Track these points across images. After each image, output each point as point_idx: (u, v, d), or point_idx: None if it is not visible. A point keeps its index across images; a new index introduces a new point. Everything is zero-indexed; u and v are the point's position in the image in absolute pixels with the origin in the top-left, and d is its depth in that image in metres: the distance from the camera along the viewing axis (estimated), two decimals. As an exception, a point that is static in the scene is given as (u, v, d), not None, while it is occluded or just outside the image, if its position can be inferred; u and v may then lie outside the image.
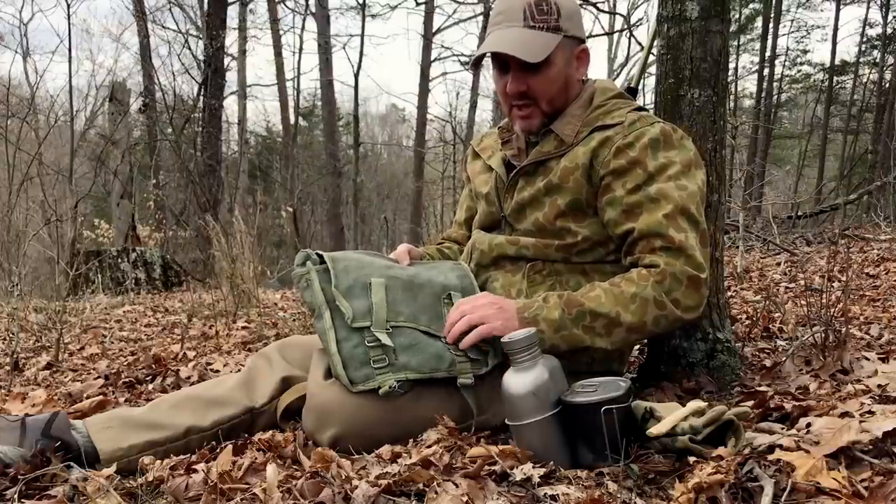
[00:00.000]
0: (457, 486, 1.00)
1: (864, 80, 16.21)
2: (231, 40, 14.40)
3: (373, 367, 1.28)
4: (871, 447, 1.02)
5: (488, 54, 1.46)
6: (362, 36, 18.31)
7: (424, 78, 15.95)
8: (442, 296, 1.43)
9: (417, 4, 15.46)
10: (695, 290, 1.35)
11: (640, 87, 2.04)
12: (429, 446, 1.20)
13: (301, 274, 1.40)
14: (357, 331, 1.31)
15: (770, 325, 2.35)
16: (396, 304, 1.37)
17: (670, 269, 1.34)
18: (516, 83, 1.46)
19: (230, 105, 16.96)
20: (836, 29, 15.50)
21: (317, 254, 1.43)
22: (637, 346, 2.00)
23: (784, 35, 16.80)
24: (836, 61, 16.11)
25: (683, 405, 1.16)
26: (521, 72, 1.45)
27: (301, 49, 18.53)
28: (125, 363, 2.54)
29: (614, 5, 15.41)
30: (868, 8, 15.44)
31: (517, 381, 1.16)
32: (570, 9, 1.46)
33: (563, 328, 1.33)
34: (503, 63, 1.47)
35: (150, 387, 2.11)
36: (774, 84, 16.54)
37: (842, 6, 15.65)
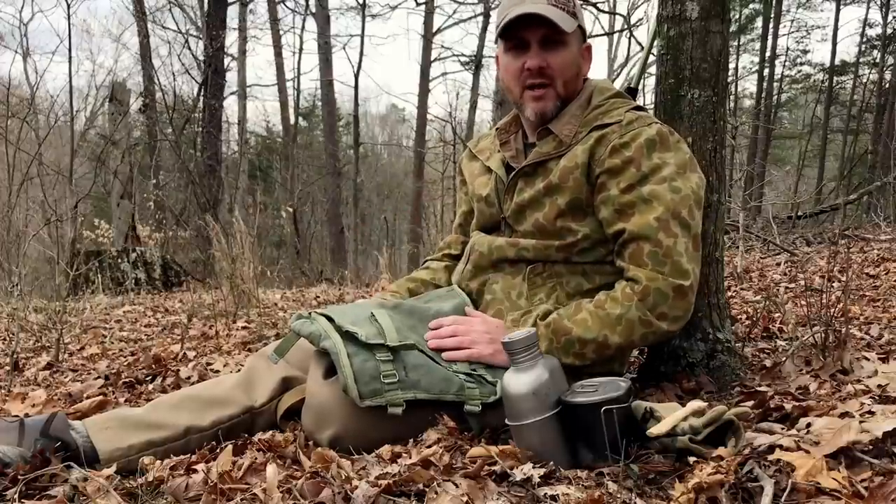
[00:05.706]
0: (457, 486, 1.00)
1: (864, 80, 16.22)
2: (231, 40, 14.42)
3: (383, 381, 1.26)
4: (871, 447, 1.02)
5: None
6: (362, 36, 18.37)
7: (424, 78, 15.94)
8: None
9: (417, 4, 15.46)
10: (681, 300, 1.37)
11: (640, 87, 2.04)
12: (429, 446, 1.20)
13: (301, 315, 1.39)
14: (369, 347, 1.29)
15: (770, 325, 2.35)
16: (402, 330, 1.37)
17: (653, 284, 1.35)
18: (537, 58, 1.46)
19: (230, 105, 16.96)
20: (836, 29, 15.54)
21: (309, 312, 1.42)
22: (637, 347, 1.99)
23: (784, 35, 16.85)
24: (836, 61, 16.14)
25: (683, 405, 1.15)
26: (542, 49, 1.47)
27: (301, 49, 18.47)
28: (125, 363, 2.54)
29: (614, 5, 15.45)
30: (868, 8, 15.47)
31: (517, 381, 1.16)
32: (579, 4, 1.51)
33: None
34: (522, 41, 1.48)
35: (150, 387, 2.11)
36: (774, 84, 16.55)
37: (842, 6, 15.69)
